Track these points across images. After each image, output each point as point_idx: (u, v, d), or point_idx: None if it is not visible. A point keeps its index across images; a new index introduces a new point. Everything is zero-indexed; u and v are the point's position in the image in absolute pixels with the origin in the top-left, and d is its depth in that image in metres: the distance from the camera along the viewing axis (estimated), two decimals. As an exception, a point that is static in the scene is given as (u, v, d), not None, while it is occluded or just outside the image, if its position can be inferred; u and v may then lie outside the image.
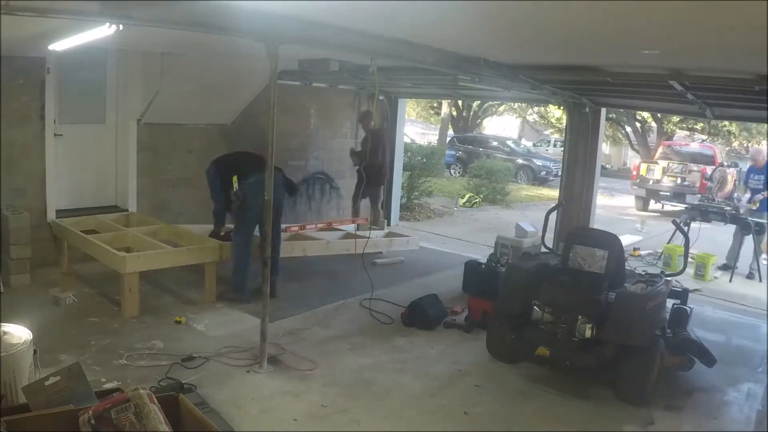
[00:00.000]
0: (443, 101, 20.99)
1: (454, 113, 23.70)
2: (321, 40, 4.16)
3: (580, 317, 4.28)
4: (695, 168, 14.60)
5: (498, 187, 15.20)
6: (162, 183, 7.40)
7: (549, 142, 27.88)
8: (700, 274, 8.07)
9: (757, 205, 8.44)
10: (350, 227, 8.03)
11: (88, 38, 4.16)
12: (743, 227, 8.19)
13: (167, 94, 6.79)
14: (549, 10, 3.03)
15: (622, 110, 18.78)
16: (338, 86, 8.71)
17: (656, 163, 15.50)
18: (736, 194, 11.07)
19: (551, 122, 25.90)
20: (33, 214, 6.10)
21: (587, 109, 7.48)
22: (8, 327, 3.02)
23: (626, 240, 9.49)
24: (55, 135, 6.43)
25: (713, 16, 2.82)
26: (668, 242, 8.95)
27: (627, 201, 16.67)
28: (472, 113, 24.44)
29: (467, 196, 14.61)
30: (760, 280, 7.82)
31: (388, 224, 9.22)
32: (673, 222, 6.33)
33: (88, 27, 3.88)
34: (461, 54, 5.05)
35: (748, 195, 8.85)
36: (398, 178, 10.40)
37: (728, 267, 8.54)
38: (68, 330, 4.84)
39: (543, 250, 5.57)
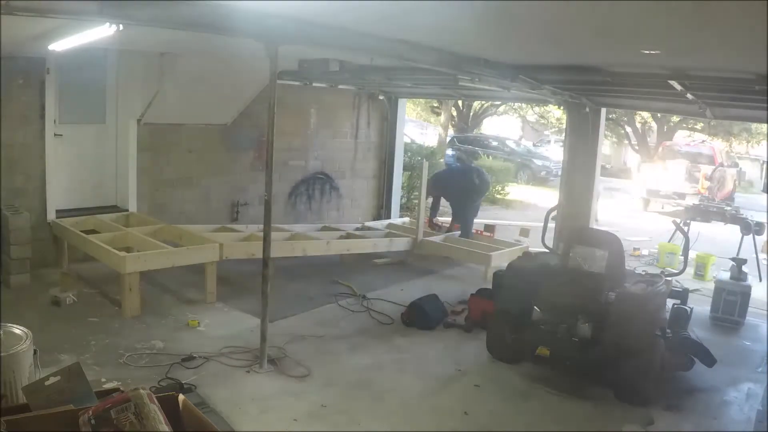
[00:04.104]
0: (443, 102, 20.97)
1: (454, 113, 23.69)
2: (321, 40, 4.16)
3: (580, 317, 4.28)
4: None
5: (498, 188, 15.20)
6: (162, 183, 7.40)
7: (549, 142, 27.86)
8: (700, 274, 8.07)
9: None
10: (349, 227, 8.05)
11: (88, 38, 4.16)
12: (743, 227, 8.19)
13: (167, 94, 6.79)
14: (549, 9, 3.03)
15: (622, 110, 18.77)
16: (338, 86, 8.71)
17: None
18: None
19: (551, 122, 25.89)
20: (33, 214, 6.11)
21: (587, 109, 7.48)
22: (8, 327, 3.02)
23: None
24: (55, 135, 6.43)
25: (713, 16, 2.82)
26: (669, 241, 8.96)
27: (627, 202, 16.66)
28: (472, 113, 24.42)
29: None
30: (760, 280, 7.82)
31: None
32: (673, 222, 6.34)
33: (88, 27, 3.88)
34: (461, 54, 5.05)
35: None
36: (398, 178, 10.40)
37: None
38: (68, 330, 4.84)
39: (543, 250, 5.56)
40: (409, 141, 15.98)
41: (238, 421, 3.66)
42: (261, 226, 5.06)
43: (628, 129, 22.50)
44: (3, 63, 5.61)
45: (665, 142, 18.14)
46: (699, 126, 21.23)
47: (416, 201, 9.16)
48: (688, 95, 5.55)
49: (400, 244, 7.77)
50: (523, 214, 13.23)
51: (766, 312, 6.49)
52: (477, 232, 8.56)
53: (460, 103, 22.39)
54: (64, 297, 5.39)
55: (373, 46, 4.42)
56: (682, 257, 5.09)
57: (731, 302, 6.17)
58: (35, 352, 3.00)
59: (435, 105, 23.91)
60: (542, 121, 27.50)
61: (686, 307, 4.87)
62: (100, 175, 7.16)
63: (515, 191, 16.64)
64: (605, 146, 24.17)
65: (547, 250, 5.42)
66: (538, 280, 4.56)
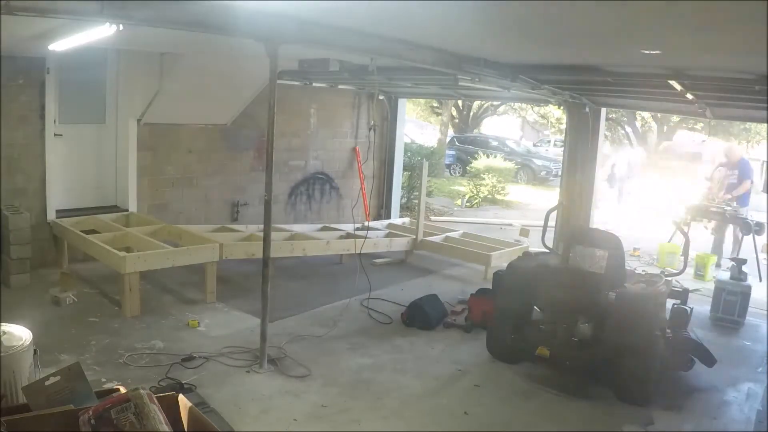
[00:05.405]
0: (443, 102, 20.99)
1: (454, 113, 23.71)
2: (321, 40, 4.16)
3: (580, 317, 4.28)
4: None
5: (498, 187, 15.22)
6: (162, 183, 7.40)
7: (549, 142, 27.87)
8: (700, 274, 8.07)
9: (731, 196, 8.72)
10: (349, 227, 8.04)
11: (88, 38, 4.16)
12: (743, 227, 8.18)
13: (167, 94, 6.79)
14: (549, 9, 3.03)
15: (622, 110, 18.78)
16: (338, 86, 8.71)
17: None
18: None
19: (551, 122, 25.91)
20: (33, 214, 6.11)
21: (587, 109, 7.48)
22: (8, 327, 3.02)
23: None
24: (55, 135, 6.43)
25: (713, 16, 2.82)
26: (669, 241, 8.95)
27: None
28: (472, 113, 24.44)
29: (467, 197, 14.63)
30: (760, 280, 7.82)
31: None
32: (673, 222, 6.34)
33: (88, 27, 3.88)
34: (461, 54, 5.06)
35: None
36: (398, 177, 10.41)
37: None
38: (68, 330, 4.84)
39: (543, 250, 5.56)
40: (409, 141, 16.01)
41: (238, 421, 3.66)
42: (261, 226, 5.07)
43: (628, 129, 22.51)
44: (3, 63, 5.61)
45: (668, 142, 18.10)
46: (699, 126, 21.24)
47: (416, 201, 9.15)
48: (688, 95, 5.56)
49: (400, 244, 7.78)
50: (523, 214, 13.24)
51: (766, 312, 6.49)
52: None
53: (460, 103, 22.40)
54: (64, 297, 5.39)
55: (373, 46, 4.42)
56: (682, 257, 5.08)
57: (731, 302, 6.17)
58: (35, 352, 3.01)
59: (435, 105, 23.93)
60: (542, 121, 27.52)
61: (686, 307, 4.86)
62: (100, 175, 7.16)
63: (515, 191, 16.65)
64: (606, 145, 24.16)
65: (547, 250, 5.42)
66: (538, 280, 4.56)
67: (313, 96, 8.78)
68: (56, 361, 3.96)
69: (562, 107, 8.68)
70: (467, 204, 14.31)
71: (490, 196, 14.97)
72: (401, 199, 11.21)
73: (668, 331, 4.61)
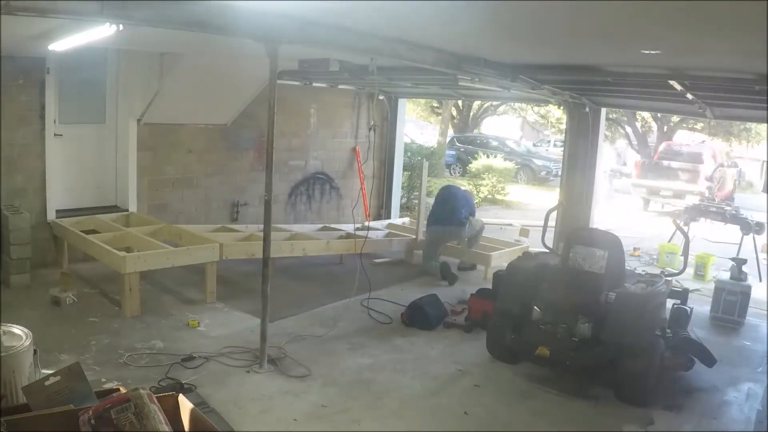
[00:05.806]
0: (443, 102, 20.98)
1: (454, 113, 23.71)
2: (321, 40, 4.16)
3: (580, 317, 4.28)
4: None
5: (498, 187, 15.22)
6: (162, 183, 7.40)
7: (549, 142, 27.86)
8: (700, 274, 8.07)
9: None
10: (349, 227, 8.05)
11: (88, 38, 4.16)
12: (743, 227, 8.19)
13: (167, 94, 6.79)
14: (549, 10, 3.03)
15: (621, 110, 18.77)
16: (338, 86, 8.71)
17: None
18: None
19: (551, 122, 25.90)
20: (33, 214, 6.11)
21: (587, 109, 7.48)
22: (8, 327, 3.02)
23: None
24: (55, 135, 6.44)
25: (713, 17, 2.82)
26: (669, 241, 8.96)
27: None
28: (472, 113, 24.43)
29: (466, 197, 14.62)
30: (760, 280, 7.82)
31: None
32: (674, 222, 6.34)
33: (88, 27, 3.88)
34: (461, 54, 5.06)
35: None
36: (398, 177, 10.41)
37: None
38: (68, 330, 4.84)
39: (543, 250, 5.56)
40: (409, 141, 16.00)
41: (238, 421, 3.66)
42: (261, 226, 5.07)
43: (628, 129, 22.50)
44: (3, 63, 5.62)
45: (668, 142, 18.10)
46: (699, 126, 21.23)
47: (416, 201, 9.14)
48: (688, 95, 5.56)
49: (400, 244, 7.78)
50: (523, 214, 13.23)
51: (766, 312, 6.49)
52: None
53: (460, 103, 22.40)
54: (64, 297, 5.39)
55: (373, 46, 4.43)
56: (682, 257, 5.08)
57: (731, 302, 6.17)
58: (35, 352, 3.00)
59: (435, 105, 23.92)
60: (542, 121, 27.51)
61: (686, 307, 4.87)
62: (100, 175, 7.16)
63: (515, 191, 16.65)
64: (607, 145, 24.14)
65: (547, 250, 5.42)
66: (538, 280, 4.56)
67: (313, 96, 8.78)
68: (56, 361, 3.96)
69: (562, 107, 8.68)
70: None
71: (490, 196, 14.97)
72: (401, 199, 11.21)
73: (668, 331, 4.61)
